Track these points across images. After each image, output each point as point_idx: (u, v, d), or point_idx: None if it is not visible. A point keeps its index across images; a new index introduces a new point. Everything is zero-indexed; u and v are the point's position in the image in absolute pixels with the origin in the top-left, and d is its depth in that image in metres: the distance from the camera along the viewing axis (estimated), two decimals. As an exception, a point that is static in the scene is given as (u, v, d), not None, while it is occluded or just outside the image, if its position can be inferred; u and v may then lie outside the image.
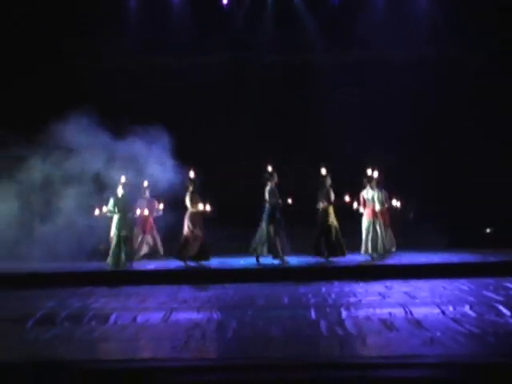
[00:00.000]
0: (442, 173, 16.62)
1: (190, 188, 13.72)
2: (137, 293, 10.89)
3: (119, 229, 13.81)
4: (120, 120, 14.59)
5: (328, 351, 6.62)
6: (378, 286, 10.77)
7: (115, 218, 13.86)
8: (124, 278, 12.64)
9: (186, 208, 13.71)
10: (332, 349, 6.65)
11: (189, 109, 16.75)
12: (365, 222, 14.22)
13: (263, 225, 13.76)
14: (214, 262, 13.82)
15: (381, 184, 14.24)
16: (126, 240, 13.83)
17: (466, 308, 8.31)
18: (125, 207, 13.94)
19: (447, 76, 16.85)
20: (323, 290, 10.60)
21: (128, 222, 14.03)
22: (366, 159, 14.55)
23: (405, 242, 14.63)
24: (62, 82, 16.35)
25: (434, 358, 6.02)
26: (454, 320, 7.54)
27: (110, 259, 13.80)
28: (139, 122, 14.35)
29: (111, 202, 13.81)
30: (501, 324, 7.37)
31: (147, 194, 15.39)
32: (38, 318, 8.48)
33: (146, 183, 15.24)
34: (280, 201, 13.69)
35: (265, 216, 13.77)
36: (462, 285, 10.64)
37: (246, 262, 13.86)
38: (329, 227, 13.74)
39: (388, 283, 11.09)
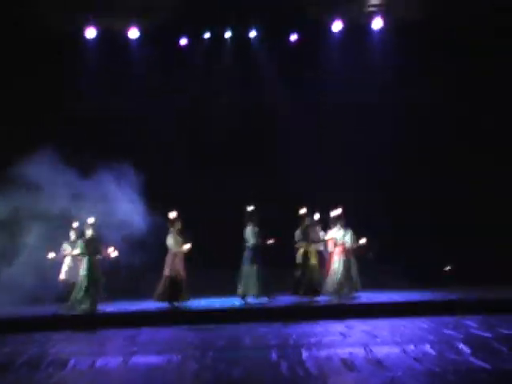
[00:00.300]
0: (400, 212, 16.75)
1: (174, 228, 13.63)
2: (96, 336, 10.74)
3: (90, 271, 13.56)
4: (85, 157, 14.51)
5: (289, 393, 6.58)
6: (338, 326, 10.75)
7: (85, 260, 13.61)
8: (83, 321, 12.43)
9: (166, 248, 13.68)
10: (293, 390, 6.61)
11: (152, 151, 16.67)
12: (336, 262, 14.23)
13: (245, 266, 13.78)
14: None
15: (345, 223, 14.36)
16: (96, 283, 13.59)
17: (427, 347, 8.32)
18: (95, 249, 13.72)
19: (402, 118, 17.09)
20: (283, 330, 10.55)
21: (97, 264, 13.80)
22: (326, 199, 14.65)
23: (365, 282, 14.65)
24: (25, 123, 16.23)
25: (395, 397, 6.02)
26: (415, 359, 7.54)
27: (83, 302, 13.45)
28: (105, 158, 14.27)
29: (80, 243, 13.59)
30: (461, 362, 7.38)
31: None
32: (-7, 365, 8.29)
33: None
34: (260, 241, 13.73)
35: (247, 256, 13.81)
36: (422, 323, 10.66)
37: (207, 303, 13.80)
38: (310, 266, 13.79)
39: (349, 322, 11.06)
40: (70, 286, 13.97)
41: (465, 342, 8.48)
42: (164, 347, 9.33)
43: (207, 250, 14.95)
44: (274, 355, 8.26)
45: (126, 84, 17.17)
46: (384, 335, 9.56)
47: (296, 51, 17.60)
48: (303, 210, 14.04)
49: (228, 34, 17.55)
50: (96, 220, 13.85)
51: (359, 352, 8.11)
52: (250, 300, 13.97)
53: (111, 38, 17.17)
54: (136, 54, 17.43)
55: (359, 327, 10.54)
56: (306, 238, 13.95)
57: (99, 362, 8.20)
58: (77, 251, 13.66)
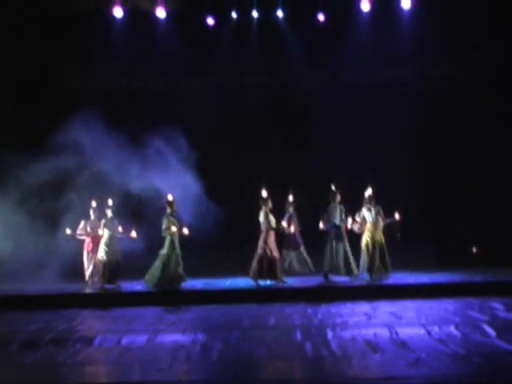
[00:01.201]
0: (429, 192, 16.64)
1: (265, 207, 13.68)
2: (122, 315, 10.84)
3: (172, 249, 13.42)
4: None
5: (313, 372, 6.61)
6: (364, 307, 10.73)
7: (167, 238, 13.44)
8: (110, 299, 12.56)
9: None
10: (316, 370, 6.64)
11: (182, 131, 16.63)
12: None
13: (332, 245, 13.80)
14: (200, 284, 13.74)
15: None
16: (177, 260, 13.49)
17: (452, 328, 8.31)
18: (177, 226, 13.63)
19: (430, 95, 16.92)
20: (309, 311, 10.57)
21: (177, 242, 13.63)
22: (356, 178, 14.63)
23: (392, 262, 14.59)
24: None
25: (419, 379, 6.02)
26: (440, 341, 7.54)
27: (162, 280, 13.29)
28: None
29: (166, 220, 13.39)
30: (486, 344, 7.37)
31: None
32: (22, 342, 8.42)
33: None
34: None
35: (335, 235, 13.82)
36: (448, 305, 10.60)
37: (231, 283, 13.83)
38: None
39: (374, 303, 11.04)
40: (112, 265, 13.82)
41: (490, 325, 8.46)
42: (190, 326, 9.41)
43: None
44: (298, 335, 8.30)
45: (151, 63, 17.16)
46: (409, 316, 9.55)
47: (324, 31, 17.43)
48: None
49: (255, 14, 17.44)
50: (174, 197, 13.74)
51: (384, 333, 8.13)
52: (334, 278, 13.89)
53: (138, 17, 17.14)
54: (163, 33, 17.38)
55: (385, 308, 10.52)
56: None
57: (125, 340, 8.30)
58: (164, 227, 13.45)
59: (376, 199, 14.02)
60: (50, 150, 14.13)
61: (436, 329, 8.30)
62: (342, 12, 17.13)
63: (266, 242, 13.39)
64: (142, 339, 8.33)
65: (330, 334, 8.23)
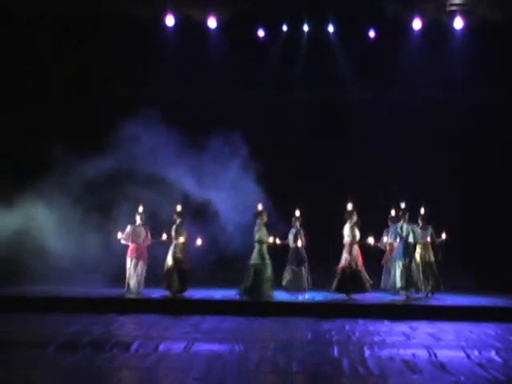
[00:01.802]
0: (472, 214, 16.47)
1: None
2: (160, 321, 10.89)
3: (264, 258, 13.40)
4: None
5: (349, 390, 6.57)
6: (402, 326, 10.64)
7: (262, 247, 13.48)
8: (147, 306, 12.62)
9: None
10: (353, 388, 6.59)
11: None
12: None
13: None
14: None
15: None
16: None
17: (492, 353, 8.17)
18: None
19: (476, 118, 16.74)
20: (347, 327, 10.51)
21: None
22: (395, 195, 14.59)
23: (433, 284, 14.43)
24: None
25: (458, 402, 5.94)
26: (479, 365, 7.41)
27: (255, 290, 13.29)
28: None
29: (260, 230, 13.50)
30: (527, 371, 7.23)
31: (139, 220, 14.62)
32: (59, 344, 8.49)
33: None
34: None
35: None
36: (488, 329, 10.46)
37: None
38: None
39: (413, 324, 10.93)
40: (180, 272, 13.83)
41: (533, 352, 8.31)
42: (227, 336, 9.41)
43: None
44: (335, 351, 8.24)
45: (202, 72, 17.25)
46: (448, 339, 9.43)
47: (374, 48, 17.37)
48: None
49: (306, 28, 17.44)
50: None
51: (422, 354, 8.02)
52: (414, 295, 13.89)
53: (190, 26, 17.26)
54: (214, 43, 17.48)
55: (423, 329, 10.42)
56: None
57: (162, 347, 8.32)
58: (257, 237, 13.44)
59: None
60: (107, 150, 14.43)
61: (476, 353, 8.17)
62: (393, 29, 17.06)
63: (350, 254, 13.40)
64: (178, 347, 8.35)
65: (367, 352, 8.16)
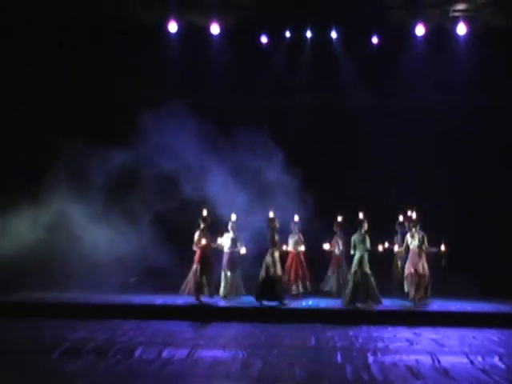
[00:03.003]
0: (473, 218, 16.45)
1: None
2: (164, 328, 10.89)
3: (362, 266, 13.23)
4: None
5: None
6: (406, 332, 10.63)
7: (364, 256, 13.25)
8: (151, 312, 12.61)
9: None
10: (356, 394, 6.59)
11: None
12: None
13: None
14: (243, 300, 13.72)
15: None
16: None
17: (496, 359, 8.17)
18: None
19: (477, 122, 16.73)
20: (350, 333, 10.50)
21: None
22: (401, 203, 14.62)
23: (436, 290, 14.42)
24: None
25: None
26: (483, 371, 7.41)
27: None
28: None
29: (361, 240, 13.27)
30: (531, 377, 7.23)
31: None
32: (63, 349, 8.51)
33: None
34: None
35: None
36: (492, 335, 10.44)
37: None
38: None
39: (416, 330, 10.92)
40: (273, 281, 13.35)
41: (536, 357, 8.30)
42: (230, 342, 9.41)
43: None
44: (339, 357, 8.24)
45: (204, 78, 17.26)
46: (452, 345, 9.43)
47: (377, 53, 17.36)
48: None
49: (309, 34, 17.44)
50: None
51: (426, 360, 8.03)
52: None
53: (193, 32, 17.27)
54: (217, 49, 17.48)
55: (427, 335, 10.41)
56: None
57: (166, 353, 8.33)
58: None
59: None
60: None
61: (479, 358, 8.17)
62: (396, 35, 17.05)
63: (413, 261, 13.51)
64: (181, 353, 8.36)
65: (371, 358, 8.16)
